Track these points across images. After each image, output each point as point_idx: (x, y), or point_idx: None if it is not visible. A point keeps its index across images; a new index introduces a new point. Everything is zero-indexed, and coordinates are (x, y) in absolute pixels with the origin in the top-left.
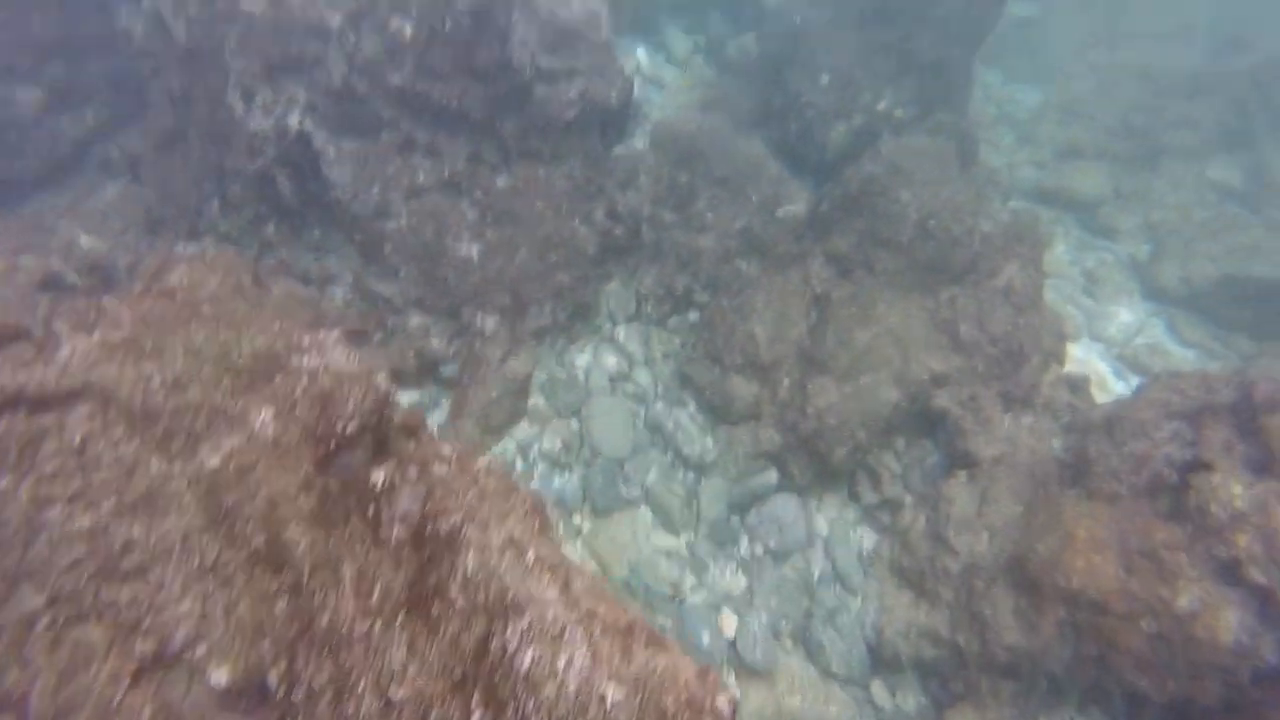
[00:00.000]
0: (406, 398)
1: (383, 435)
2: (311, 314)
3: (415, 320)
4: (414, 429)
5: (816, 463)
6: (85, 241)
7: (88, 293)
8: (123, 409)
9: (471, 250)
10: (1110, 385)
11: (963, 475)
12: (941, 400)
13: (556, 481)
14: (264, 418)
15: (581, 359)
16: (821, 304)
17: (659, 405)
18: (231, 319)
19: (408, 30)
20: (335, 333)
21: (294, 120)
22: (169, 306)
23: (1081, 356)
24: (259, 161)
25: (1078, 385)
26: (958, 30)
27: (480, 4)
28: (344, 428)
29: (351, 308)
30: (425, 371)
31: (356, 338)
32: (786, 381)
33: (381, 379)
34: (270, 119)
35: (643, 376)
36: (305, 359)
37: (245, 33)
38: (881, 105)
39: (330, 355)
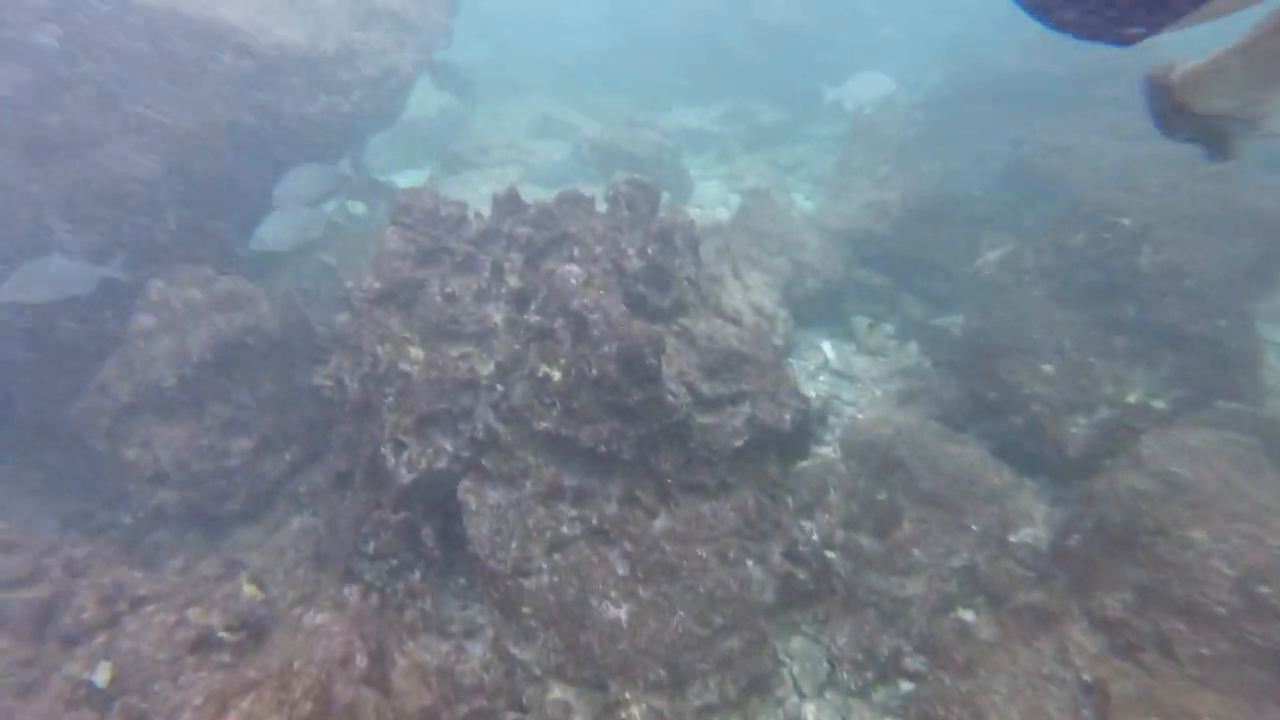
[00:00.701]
0: None
1: None
2: (441, 690)
3: (555, 694)
4: None
5: None
6: (246, 590)
7: (235, 651)
8: None
9: (620, 612)
10: None
11: None
12: None
13: None
14: None
15: None
16: (1096, 700)
17: None
18: None
19: (556, 376)
20: None
21: (438, 473)
22: None
23: None
24: (403, 514)
25: None
26: (1221, 297)
27: (630, 345)
28: None
29: (490, 670)
30: None
31: (486, 717)
32: None
33: None
34: (415, 472)
35: None
36: None
37: (402, 389)
38: (1133, 396)
39: None
